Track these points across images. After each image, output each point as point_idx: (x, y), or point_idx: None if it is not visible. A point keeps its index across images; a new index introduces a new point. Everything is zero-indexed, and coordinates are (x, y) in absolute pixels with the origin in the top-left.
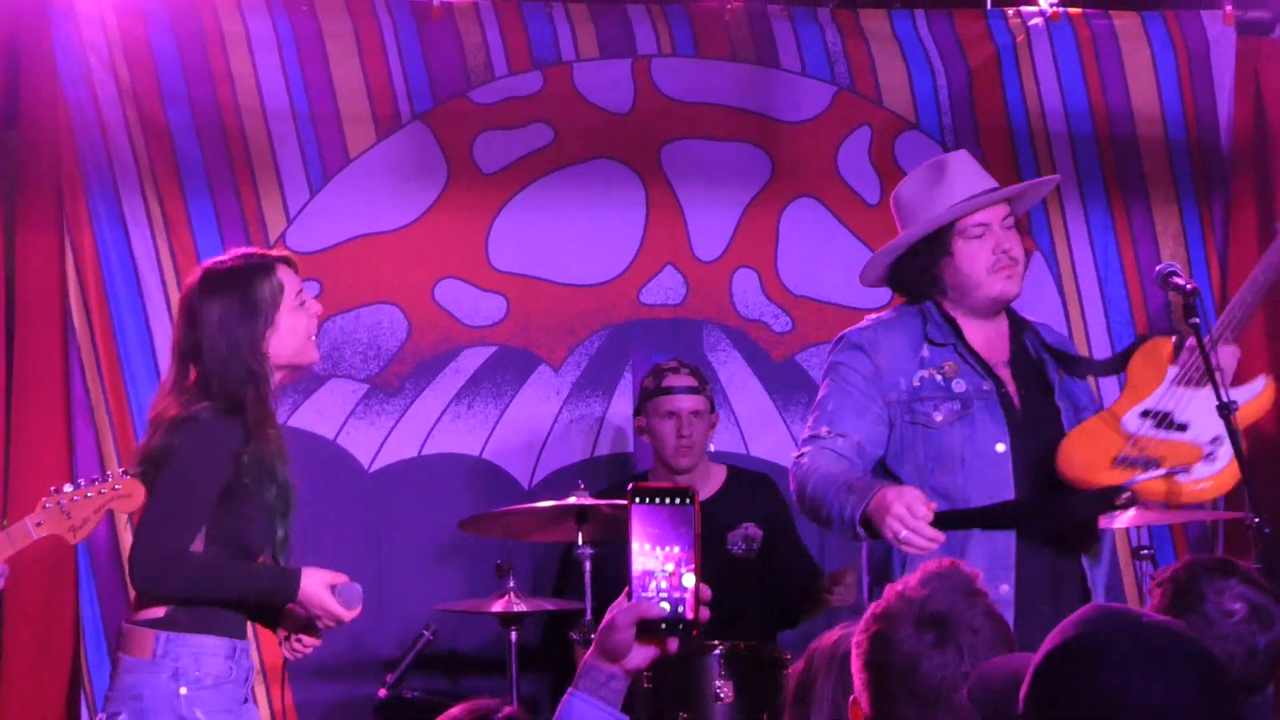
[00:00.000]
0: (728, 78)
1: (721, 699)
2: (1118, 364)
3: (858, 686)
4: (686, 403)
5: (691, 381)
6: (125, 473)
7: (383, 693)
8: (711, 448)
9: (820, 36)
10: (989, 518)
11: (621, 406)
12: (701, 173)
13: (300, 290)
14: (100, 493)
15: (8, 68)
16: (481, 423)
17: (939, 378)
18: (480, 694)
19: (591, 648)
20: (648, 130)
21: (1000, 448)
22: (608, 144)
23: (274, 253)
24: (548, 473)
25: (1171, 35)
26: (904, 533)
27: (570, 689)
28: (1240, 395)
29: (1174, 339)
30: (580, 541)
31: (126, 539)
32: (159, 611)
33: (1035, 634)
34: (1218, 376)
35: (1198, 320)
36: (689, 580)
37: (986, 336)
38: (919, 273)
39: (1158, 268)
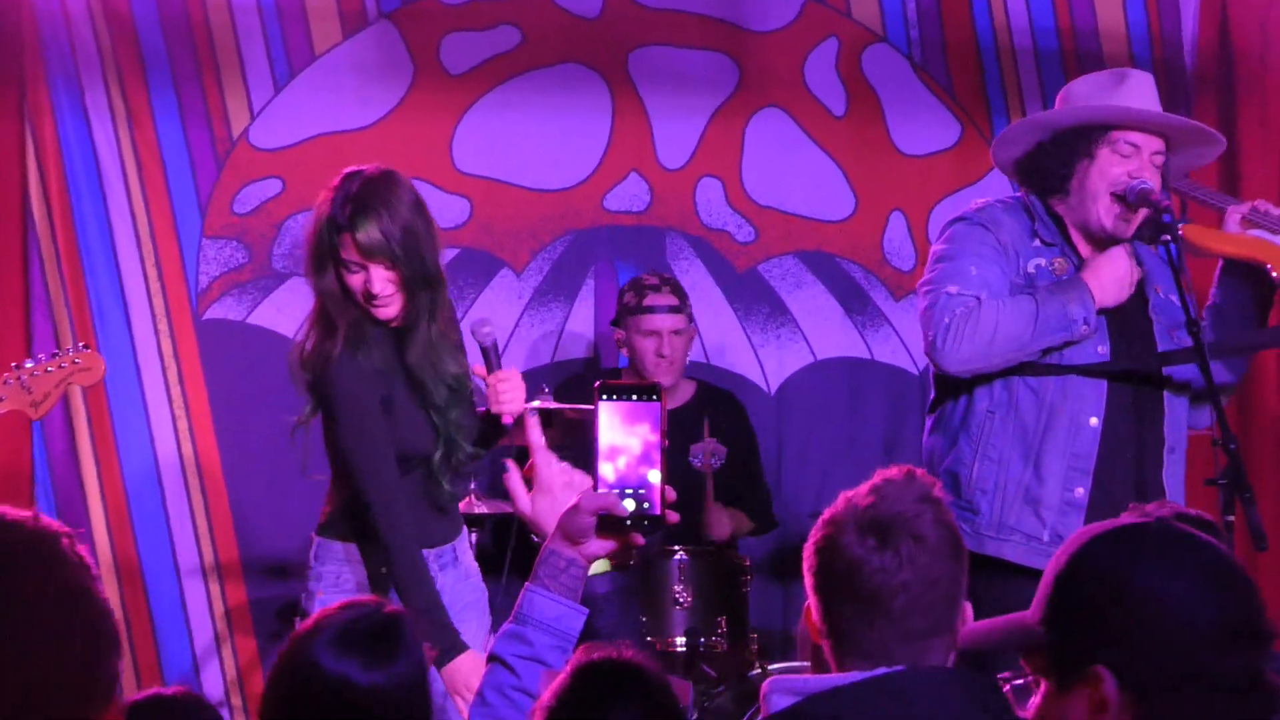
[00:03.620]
0: None
1: (681, 604)
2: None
3: (808, 592)
4: (667, 322)
5: (673, 300)
6: (84, 346)
7: None
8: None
9: None
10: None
11: (583, 311)
12: (668, 80)
13: (355, 267)
14: (60, 366)
15: None
16: None
17: (1051, 271)
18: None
19: (552, 533)
20: (616, 35)
21: (1101, 349)
22: (575, 48)
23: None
24: None
25: None
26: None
27: (528, 584)
28: None
29: (1180, 226)
30: None
31: (82, 432)
32: (321, 516)
33: None
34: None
35: (1169, 238)
36: (654, 477)
37: (1090, 246)
38: (1056, 163)
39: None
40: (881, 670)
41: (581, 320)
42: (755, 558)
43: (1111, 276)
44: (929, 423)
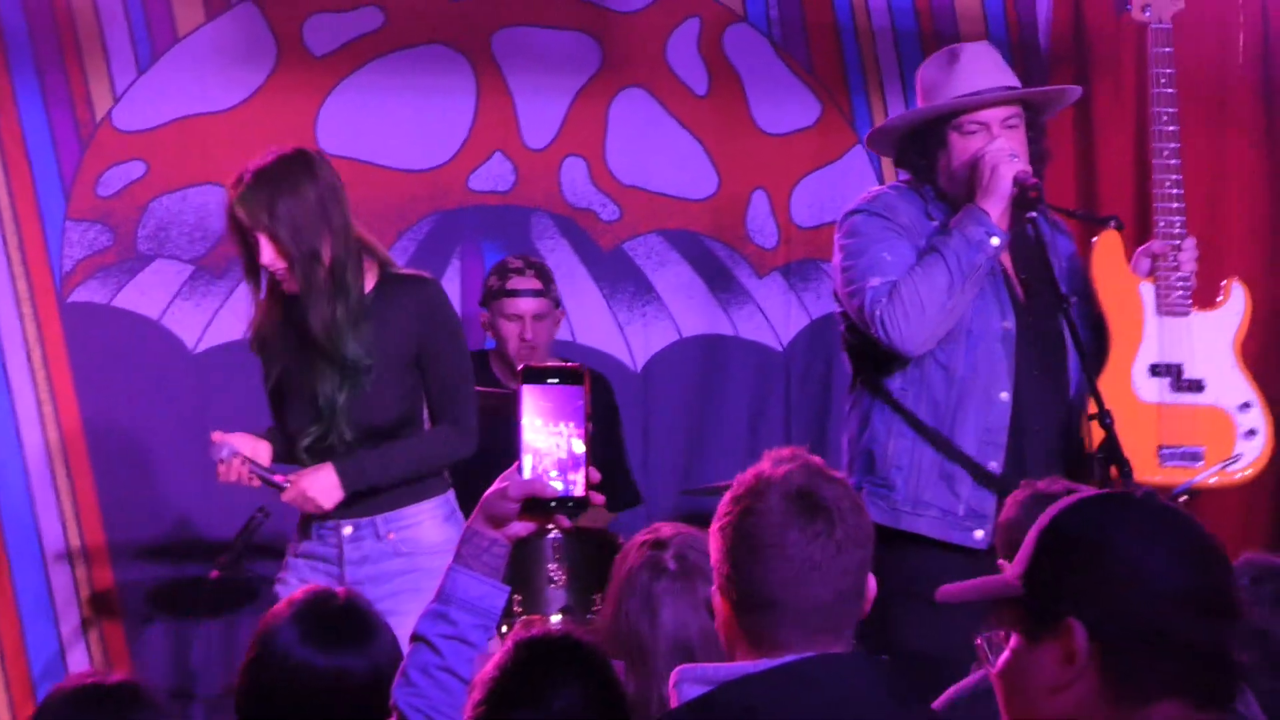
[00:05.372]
0: None
1: (555, 582)
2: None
3: (723, 575)
4: (529, 305)
5: (536, 284)
6: None
7: (215, 574)
8: None
9: None
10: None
11: (450, 292)
12: (532, 60)
13: (253, 239)
14: None
15: None
16: None
17: None
18: None
19: (474, 513)
20: (479, 16)
21: (1006, 325)
22: (439, 29)
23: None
24: None
25: None
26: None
27: (451, 563)
28: (1227, 318)
29: (1113, 224)
30: None
31: None
32: None
33: None
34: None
35: (1035, 215)
36: (578, 459)
37: None
38: (917, 155)
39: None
40: (791, 657)
41: None
42: (628, 535)
43: (983, 180)
44: (849, 402)
